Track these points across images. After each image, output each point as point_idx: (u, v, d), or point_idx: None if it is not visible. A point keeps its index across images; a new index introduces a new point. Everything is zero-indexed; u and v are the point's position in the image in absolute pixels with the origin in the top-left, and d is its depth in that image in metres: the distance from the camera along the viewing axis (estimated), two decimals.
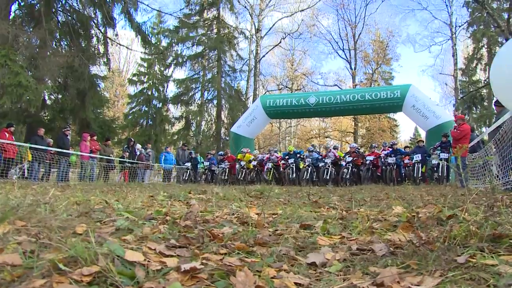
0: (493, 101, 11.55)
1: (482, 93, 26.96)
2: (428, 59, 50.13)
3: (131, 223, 2.00)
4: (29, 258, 1.20)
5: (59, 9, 17.42)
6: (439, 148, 12.88)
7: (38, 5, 15.96)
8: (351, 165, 14.44)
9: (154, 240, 1.61)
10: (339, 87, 34.02)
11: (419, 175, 13.38)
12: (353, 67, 34.98)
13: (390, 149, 15.00)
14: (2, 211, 1.87)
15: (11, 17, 15.24)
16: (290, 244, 1.65)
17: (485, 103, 26.85)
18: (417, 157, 13.62)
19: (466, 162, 9.40)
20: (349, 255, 1.49)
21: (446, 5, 30.03)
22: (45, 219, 1.82)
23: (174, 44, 29.15)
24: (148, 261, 1.24)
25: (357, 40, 35.10)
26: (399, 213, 2.66)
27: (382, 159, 14.58)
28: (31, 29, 15.71)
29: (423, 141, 15.20)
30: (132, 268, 1.15)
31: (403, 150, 15.91)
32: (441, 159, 12.54)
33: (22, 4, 16.29)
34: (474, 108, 27.41)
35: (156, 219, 2.31)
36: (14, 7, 15.77)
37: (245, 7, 31.77)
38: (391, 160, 14.26)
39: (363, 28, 34.96)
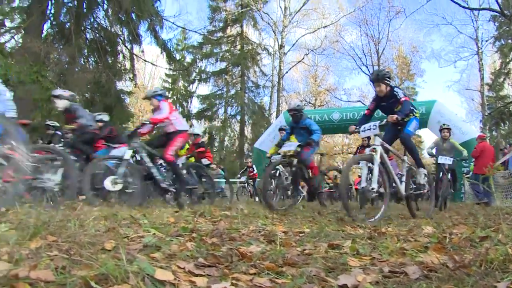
0: None
1: (511, 109, 26.29)
2: (453, 74, 49.25)
3: (158, 240, 2.01)
4: (61, 274, 1.21)
5: (88, 27, 17.92)
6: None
7: (69, 23, 16.48)
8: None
9: (182, 258, 1.61)
10: (362, 103, 33.69)
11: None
12: None
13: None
14: (34, 225, 1.90)
15: (43, 35, 15.77)
16: (320, 265, 1.62)
17: None
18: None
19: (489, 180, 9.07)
20: (381, 278, 1.45)
21: (472, 20, 29.50)
22: (75, 234, 1.85)
23: (198, 60, 29.57)
24: (178, 281, 1.24)
25: (380, 56, 34.82)
26: (429, 234, 2.59)
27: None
28: (61, 47, 16.23)
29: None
30: (162, 287, 1.15)
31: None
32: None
33: (54, 23, 16.84)
34: (502, 124, 26.72)
35: (182, 235, 2.31)
36: (46, 25, 16.33)
37: (269, 23, 31.96)
38: (447, 160, 7.52)
39: (386, 43, 34.71)
